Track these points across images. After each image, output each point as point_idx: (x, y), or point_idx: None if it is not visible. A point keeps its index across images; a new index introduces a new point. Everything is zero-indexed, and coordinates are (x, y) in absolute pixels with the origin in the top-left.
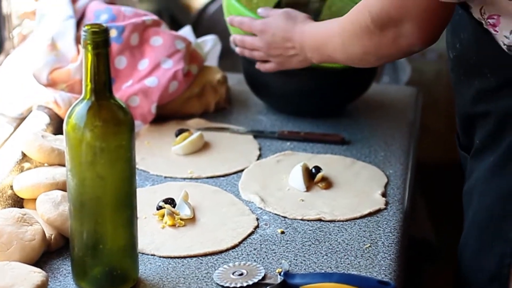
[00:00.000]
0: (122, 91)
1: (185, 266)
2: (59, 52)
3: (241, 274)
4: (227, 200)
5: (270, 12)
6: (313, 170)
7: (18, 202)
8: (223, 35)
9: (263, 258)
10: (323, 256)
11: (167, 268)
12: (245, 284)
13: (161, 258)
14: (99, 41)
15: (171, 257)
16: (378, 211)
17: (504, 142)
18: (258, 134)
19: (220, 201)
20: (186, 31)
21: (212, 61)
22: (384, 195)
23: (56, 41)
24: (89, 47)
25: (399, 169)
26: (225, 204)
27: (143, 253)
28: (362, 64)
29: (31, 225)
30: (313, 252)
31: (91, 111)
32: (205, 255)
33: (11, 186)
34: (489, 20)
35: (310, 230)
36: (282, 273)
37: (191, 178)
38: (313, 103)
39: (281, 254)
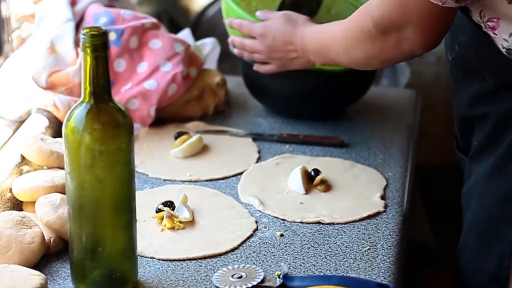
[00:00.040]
0: (121, 94)
1: (184, 269)
2: (58, 55)
3: (240, 277)
4: (226, 203)
5: (269, 15)
6: (312, 173)
7: (17, 205)
8: (222, 38)
9: (262, 261)
10: (322, 259)
11: (166, 271)
12: (244, 287)
13: (160, 261)
14: (98, 44)
15: (170, 260)
16: (377, 213)
17: (503, 144)
18: (257, 137)
19: (219, 204)
20: (185, 34)
21: (211, 64)
22: (383, 197)
23: (55, 44)
24: (88, 50)
25: (398, 171)
26: (224, 207)
27: (142, 256)
28: (365, 67)
29: (30, 228)
30: (312, 255)
31: (90, 114)
32: (204, 258)
33: (10, 189)
34: (488, 23)
35: (309, 232)
36: (281, 276)
37: (190, 181)
38: (312, 106)
39: (280, 257)
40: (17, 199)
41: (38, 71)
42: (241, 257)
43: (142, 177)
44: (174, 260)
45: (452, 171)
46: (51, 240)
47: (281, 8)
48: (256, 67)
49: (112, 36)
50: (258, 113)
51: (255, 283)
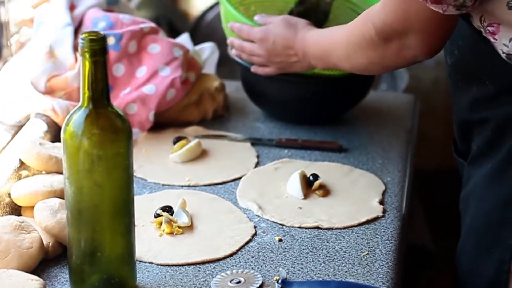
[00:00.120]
0: (120, 98)
1: (183, 274)
2: (57, 59)
3: (239, 282)
4: (224, 207)
5: (268, 19)
6: (311, 178)
7: (16, 210)
8: (221, 42)
9: (261, 266)
10: (320, 264)
11: (165, 276)
12: None
13: (159, 266)
14: (97, 49)
15: (168, 265)
16: (376, 218)
17: (503, 149)
18: (256, 142)
19: (218, 208)
20: (184, 39)
21: (210, 68)
22: (381, 202)
23: (54, 48)
24: (87, 55)
25: (396, 176)
26: (223, 211)
27: (140, 261)
28: (367, 73)
29: (29, 233)
30: (311, 260)
31: (89, 119)
32: (203, 263)
33: (9, 194)
34: (488, 28)
35: (307, 237)
36: (279, 281)
37: (188, 186)
38: (310, 111)
39: (278, 262)
40: (16, 204)
41: (37, 76)
42: (240, 262)
43: (140, 182)
44: (172, 265)
45: (451, 175)
46: (50, 245)
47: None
48: (254, 68)
49: (111, 41)
50: (257, 117)
51: None
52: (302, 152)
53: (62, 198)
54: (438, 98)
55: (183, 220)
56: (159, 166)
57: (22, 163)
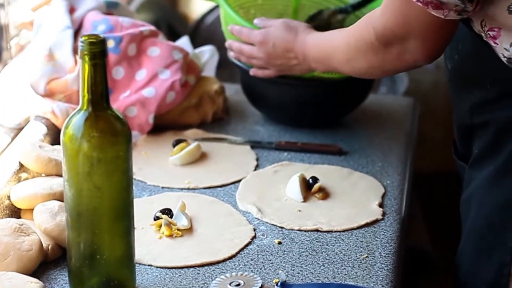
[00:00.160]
0: (120, 101)
1: (182, 277)
2: (57, 62)
3: (238, 285)
4: (224, 210)
5: (268, 22)
6: (310, 181)
7: (15, 212)
8: (221, 45)
9: (260, 269)
10: (320, 267)
11: (164, 279)
12: None
13: (158, 269)
14: (96, 52)
15: (168, 268)
16: (375, 221)
17: (503, 152)
18: (255, 145)
19: (217, 211)
20: (184, 42)
21: (209, 71)
22: (381, 205)
23: (54, 51)
24: (86, 58)
25: (396, 179)
26: (222, 214)
27: (140, 264)
28: (367, 77)
29: (28, 235)
30: (310, 263)
31: (88, 121)
32: (202, 265)
33: (8, 196)
34: (489, 33)
35: (307, 240)
36: (279, 284)
37: (188, 189)
38: (310, 114)
39: (278, 265)
40: (15, 207)
41: (37, 79)
42: (239, 264)
43: (140, 184)
44: (172, 268)
45: (450, 177)
46: (49, 247)
47: None
48: (253, 71)
49: (110, 44)
50: (257, 120)
51: None
52: (302, 155)
53: (62, 200)
54: (437, 101)
55: (182, 222)
56: (158, 168)
57: (21, 165)
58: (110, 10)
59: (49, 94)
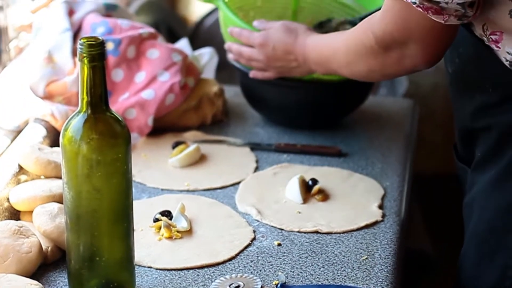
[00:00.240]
0: (119, 103)
1: (182, 279)
2: (56, 64)
3: (238, 286)
4: (224, 212)
5: (267, 24)
6: (310, 183)
7: (14, 214)
8: (220, 47)
9: (260, 270)
10: (320, 268)
11: (164, 281)
12: None
13: (158, 271)
14: (95, 54)
15: (167, 270)
16: (375, 223)
17: (506, 156)
18: (255, 147)
19: (217, 213)
20: (183, 44)
21: (209, 73)
22: (381, 207)
23: (53, 54)
24: (85, 60)
25: (396, 181)
26: (222, 216)
27: (139, 266)
28: (367, 80)
29: (28, 238)
30: (310, 264)
31: (87, 124)
32: (202, 267)
33: (8, 199)
34: (491, 36)
35: (307, 242)
36: (279, 285)
37: (187, 191)
38: (310, 116)
39: (278, 266)
40: (15, 209)
41: (36, 81)
42: (239, 266)
43: (139, 186)
44: (171, 270)
45: (449, 179)
46: (49, 249)
47: None
48: (253, 73)
49: (109, 46)
50: (256, 122)
51: None
52: (301, 156)
53: (61, 202)
54: (437, 103)
55: (182, 224)
56: (158, 171)
57: (21, 168)
58: (109, 12)
59: (48, 96)
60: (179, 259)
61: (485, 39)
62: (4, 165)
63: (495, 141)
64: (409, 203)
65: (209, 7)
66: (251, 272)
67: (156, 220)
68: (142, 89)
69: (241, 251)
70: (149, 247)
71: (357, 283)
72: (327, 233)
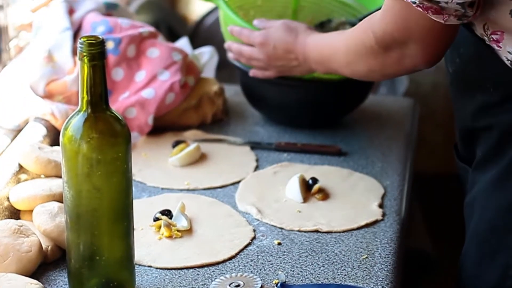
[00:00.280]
0: (119, 102)
1: (182, 278)
2: (56, 64)
3: (238, 286)
4: (224, 211)
5: (267, 23)
6: (310, 182)
7: (14, 213)
8: (220, 46)
9: (260, 270)
10: (320, 267)
11: (164, 280)
12: None
13: (158, 270)
14: (96, 53)
15: (167, 269)
16: (375, 222)
17: (507, 156)
18: (255, 146)
19: (217, 212)
20: (183, 43)
21: (209, 72)
22: (381, 206)
23: (53, 53)
24: (86, 59)
25: (396, 180)
26: (222, 215)
27: (139, 265)
28: (367, 79)
29: (28, 237)
30: (310, 263)
31: (87, 123)
32: (202, 266)
33: (8, 198)
34: (492, 36)
35: (307, 241)
36: (279, 284)
37: (188, 190)
38: (310, 115)
39: (278, 265)
40: (15, 208)
41: (36, 80)
42: (239, 265)
43: (140, 185)
44: (171, 269)
45: (450, 178)
46: (49, 248)
47: None
48: (253, 72)
49: (109, 45)
50: (256, 121)
51: None
52: (301, 155)
53: (61, 202)
54: (437, 102)
55: (182, 223)
56: (158, 170)
57: (21, 167)
58: (109, 11)
59: (48, 96)
60: (179, 258)
61: (486, 38)
62: (4, 164)
63: (496, 141)
64: (410, 202)
65: (209, 6)
66: (251, 271)
67: (156, 219)
68: (142, 88)
69: (241, 250)
70: (149, 246)
71: (357, 282)
72: (327, 232)
